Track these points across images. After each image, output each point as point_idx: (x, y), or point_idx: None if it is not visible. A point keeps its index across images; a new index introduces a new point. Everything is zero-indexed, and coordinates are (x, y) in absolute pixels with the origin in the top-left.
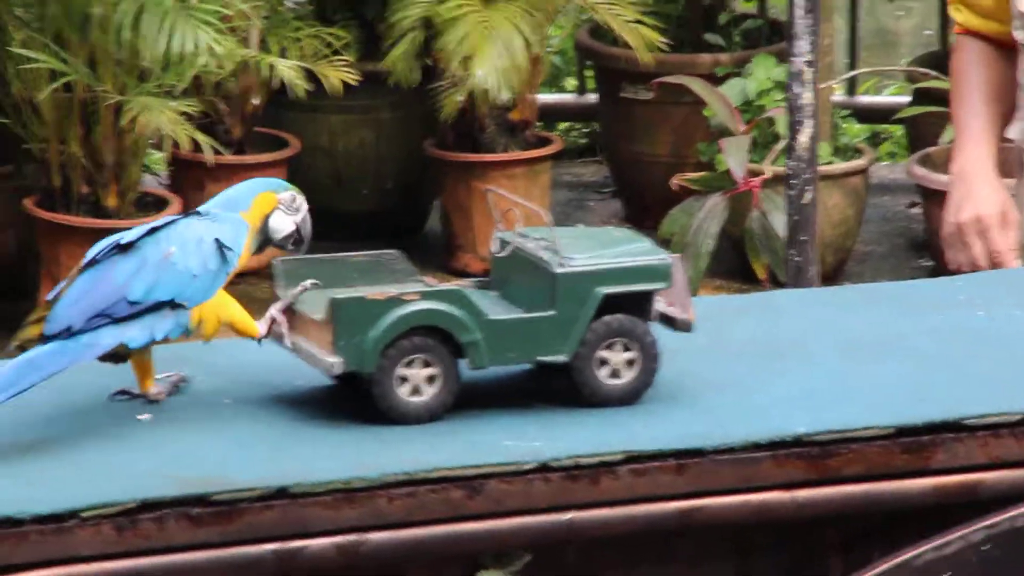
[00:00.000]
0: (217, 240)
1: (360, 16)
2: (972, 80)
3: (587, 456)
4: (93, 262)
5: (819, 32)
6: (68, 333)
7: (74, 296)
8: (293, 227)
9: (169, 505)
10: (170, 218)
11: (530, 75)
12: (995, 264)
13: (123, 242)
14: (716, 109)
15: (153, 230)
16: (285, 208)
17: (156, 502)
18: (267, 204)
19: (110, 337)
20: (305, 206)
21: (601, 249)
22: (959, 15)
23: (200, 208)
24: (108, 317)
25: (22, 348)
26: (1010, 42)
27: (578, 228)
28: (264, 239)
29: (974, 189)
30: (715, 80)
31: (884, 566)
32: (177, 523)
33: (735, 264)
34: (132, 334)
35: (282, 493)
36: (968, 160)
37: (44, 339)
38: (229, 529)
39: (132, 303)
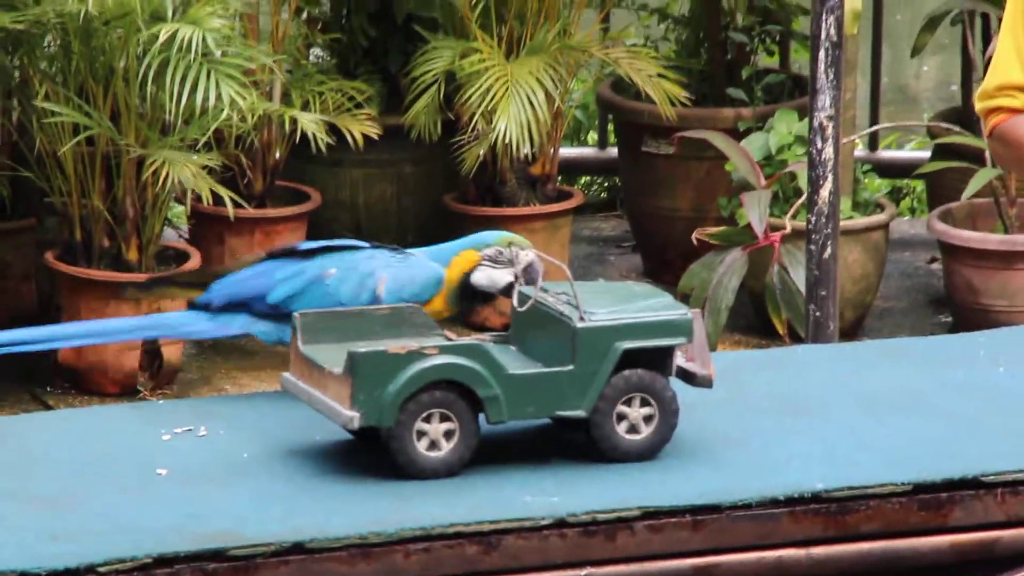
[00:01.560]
0: (385, 281)
1: (383, 70)
2: None
3: (604, 512)
4: (270, 256)
5: (841, 87)
6: (207, 308)
7: (231, 280)
8: (510, 278)
9: (184, 560)
10: (359, 243)
11: (552, 129)
12: None
13: (300, 248)
14: (737, 164)
15: (333, 248)
16: (490, 263)
17: (171, 557)
18: (467, 262)
19: (241, 326)
20: (524, 254)
21: (621, 304)
22: (1015, 101)
23: (406, 248)
24: (247, 308)
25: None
26: None
27: (598, 283)
28: (477, 292)
29: None
30: (737, 135)
31: None
32: None
33: (755, 319)
34: (263, 328)
35: (298, 548)
36: None
37: (188, 305)
38: None
39: (270, 304)
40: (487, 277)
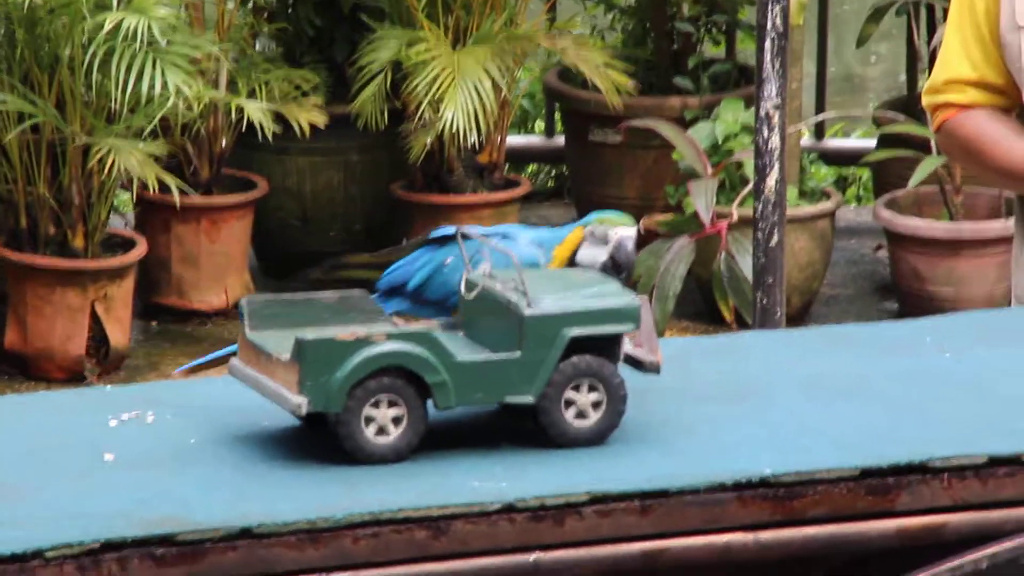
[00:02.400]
0: (487, 268)
1: (329, 59)
2: (1004, 126)
3: (552, 497)
4: (426, 241)
5: (787, 76)
6: (376, 292)
7: (395, 265)
8: (605, 256)
9: (132, 545)
10: (487, 230)
11: (499, 117)
12: None
13: (435, 236)
14: (684, 152)
15: (464, 235)
16: (590, 241)
17: (119, 542)
18: (574, 240)
19: (393, 309)
20: (619, 232)
21: (568, 291)
22: (963, 96)
23: (520, 227)
24: (400, 292)
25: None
26: (1008, 110)
27: (545, 270)
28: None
29: None
30: (684, 124)
31: None
32: (141, 563)
33: (702, 306)
34: (408, 312)
35: (246, 534)
36: None
37: (370, 289)
38: (193, 570)
39: (410, 291)
40: (587, 255)
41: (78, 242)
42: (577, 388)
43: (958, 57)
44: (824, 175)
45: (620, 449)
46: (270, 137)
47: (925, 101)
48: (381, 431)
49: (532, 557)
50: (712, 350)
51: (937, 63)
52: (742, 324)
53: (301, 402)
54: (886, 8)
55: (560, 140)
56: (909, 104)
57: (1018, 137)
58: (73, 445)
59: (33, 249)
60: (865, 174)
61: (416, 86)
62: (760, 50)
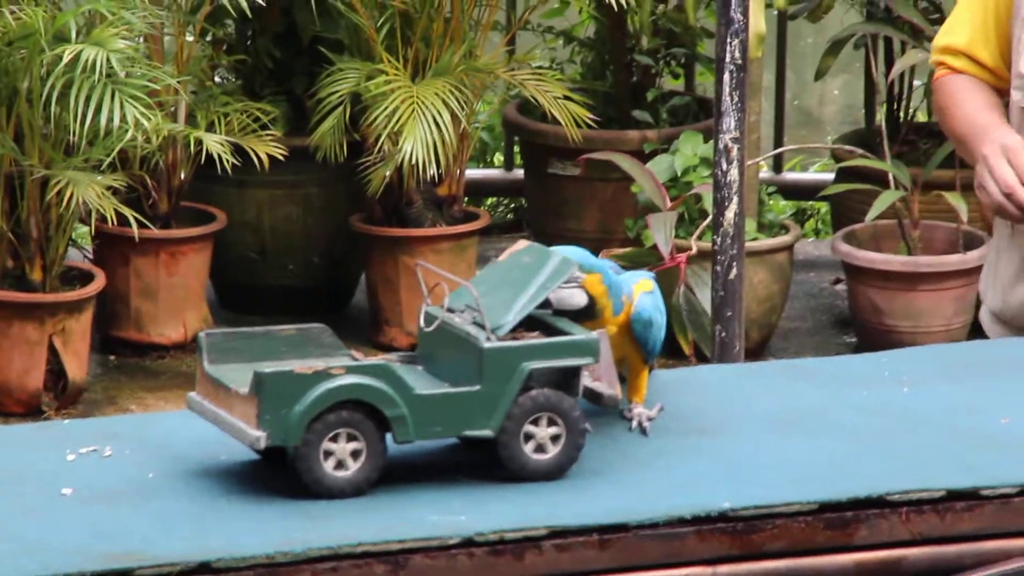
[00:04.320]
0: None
1: (288, 91)
2: (975, 95)
3: (511, 531)
4: None
5: (745, 109)
6: None
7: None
8: (585, 300)
9: None
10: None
11: (458, 150)
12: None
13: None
14: (643, 185)
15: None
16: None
17: None
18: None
19: None
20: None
21: (523, 295)
22: (957, 62)
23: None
24: None
25: None
26: (1001, 93)
27: (493, 268)
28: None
29: (995, 134)
30: (643, 157)
31: None
32: None
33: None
34: None
35: (205, 568)
36: (990, 137)
37: None
38: None
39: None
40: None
41: (36, 275)
42: (536, 422)
43: (960, 26)
44: (782, 208)
45: (579, 483)
46: (229, 170)
47: (931, 57)
48: (340, 465)
49: None
50: (671, 383)
51: (944, 25)
52: (701, 358)
53: (260, 436)
54: (844, 41)
55: (519, 173)
56: (867, 137)
57: (978, 103)
58: (31, 479)
59: None
60: (823, 207)
61: (375, 119)
62: (719, 83)
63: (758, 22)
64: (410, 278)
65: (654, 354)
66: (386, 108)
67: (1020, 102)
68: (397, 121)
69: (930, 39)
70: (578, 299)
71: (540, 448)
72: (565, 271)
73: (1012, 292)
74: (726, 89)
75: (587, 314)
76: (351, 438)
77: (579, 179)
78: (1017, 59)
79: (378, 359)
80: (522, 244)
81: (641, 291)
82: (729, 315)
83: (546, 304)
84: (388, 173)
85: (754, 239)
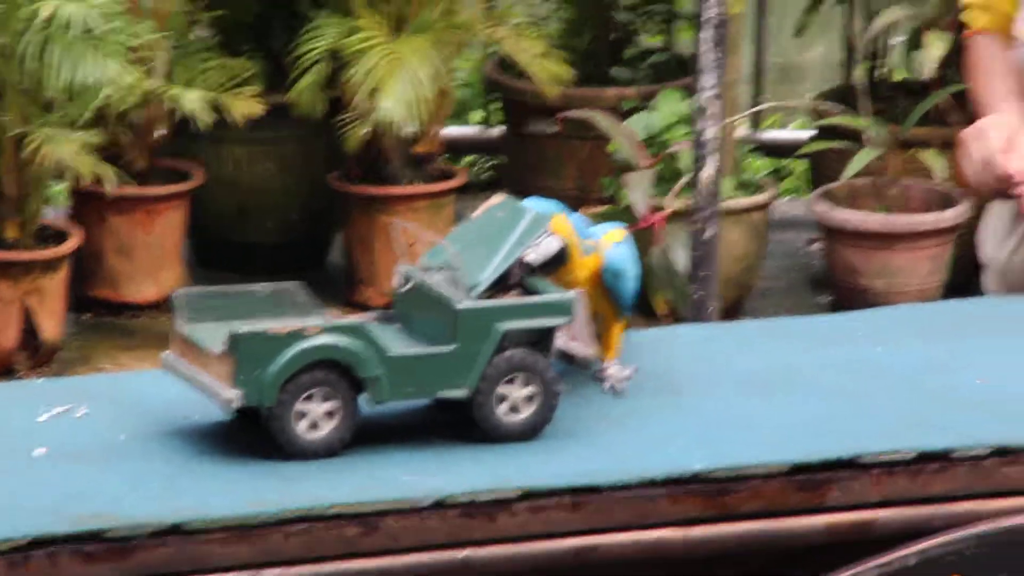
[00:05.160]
0: None
1: (266, 48)
2: (991, 65)
3: (484, 492)
4: None
5: (725, 67)
6: None
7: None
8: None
9: (62, 542)
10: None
11: (436, 108)
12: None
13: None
14: (620, 144)
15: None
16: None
17: (49, 538)
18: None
19: None
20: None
21: (498, 251)
22: (984, 17)
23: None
24: None
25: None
26: None
27: (468, 224)
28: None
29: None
30: (621, 114)
31: None
32: (70, 560)
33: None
34: None
35: (177, 529)
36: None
37: None
38: (123, 566)
39: None
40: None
41: (11, 233)
42: (510, 382)
43: None
44: (760, 167)
45: (552, 444)
46: (207, 127)
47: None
48: (314, 426)
49: (463, 554)
50: (645, 344)
51: None
52: (676, 317)
53: (234, 396)
54: None
55: (497, 131)
56: (846, 94)
57: (990, 74)
58: (3, 439)
59: None
60: (801, 166)
61: (354, 76)
62: (698, 40)
63: None
64: (386, 237)
65: (627, 307)
66: (365, 65)
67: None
68: (376, 78)
69: None
70: (554, 245)
71: (514, 409)
72: (540, 226)
73: (1003, 245)
74: (705, 46)
75: (560, 259)
76: (325, 398)
77: (557, 137)
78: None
79: (353, 319)
80: (496, 199)
81: (612, 241)
82: (705, 274)
83: (519, 265)
84: (366, 131)
85: (731, 198)
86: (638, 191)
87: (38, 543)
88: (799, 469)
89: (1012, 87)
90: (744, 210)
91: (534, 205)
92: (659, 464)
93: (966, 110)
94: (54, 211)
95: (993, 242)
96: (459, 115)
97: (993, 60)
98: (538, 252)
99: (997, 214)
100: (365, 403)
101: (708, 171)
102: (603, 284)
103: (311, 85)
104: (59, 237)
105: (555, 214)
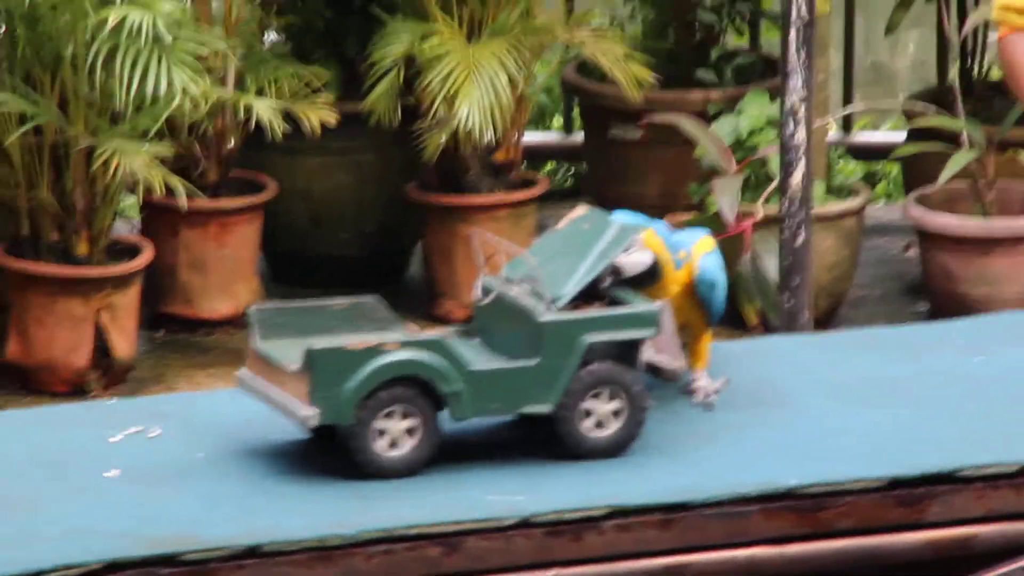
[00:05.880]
0: None
1: (340, 54)
2: None
3: (570, 511)
4: None
5: (813, 68)
6: None
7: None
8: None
9: (137, 566)
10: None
11: (515, 114)
12: None
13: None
14: (707, 149)
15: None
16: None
17: (124, 562)
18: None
19: None
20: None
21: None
22: (1005, 13)
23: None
24: None
25: None
26: None
27: (551, 236)
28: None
29: None
30: (706, 118)
31: None
32: None
33: (726, 309)
34: None
35: (253, 552)
36: None
37: None
38: None
39: None
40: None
41: (82, 248)
42: (596, 396)
43: None
44: (852, 171)
45: (640, 460)
46: (279, 137)
47: (992, 15)
48: (393, 444)
49: (550, 573)
50: (736, 355)
51: None
52: (767, 328)
53: (311, 414)
54: None
55: (579, 137)
56: (940, 95)
57: None
58: (76, 461)
59: (35, 256)
60: (894, 169)
61: (430, 82)
62: (785, 40)
63: None
64: (467, 248)
65: (718, 316)
66: (441, 71)
67: None
68: (453, 84)
69: None
70: (646, 259)
71: (600, 424)
72: (625, 238)
73: None
74: (792, 47)
75: (652, 274)
76: (405, 415)
77: (641, 142)
78: None
79: (432, 333)
80: (581, 210)
81: (703, 251)
82: (797, 283)
83: (610, 273)
84: (444, 138)
85: (823, 203)
86: (726, 197)
87: (112, 567)
88: (897, 484)
89: None
90: (836, 216)
91: (620, 217)
92: (752, 480)
93: None
94: (125, 226)
95: None
96: (539, 121)
97: None
98: (631, 261)
99: None
100: (446, 420)
101: (797, 176)
102: (694, 295)
103: (386, 92)
104: (131, 252)
105: (644, 227)
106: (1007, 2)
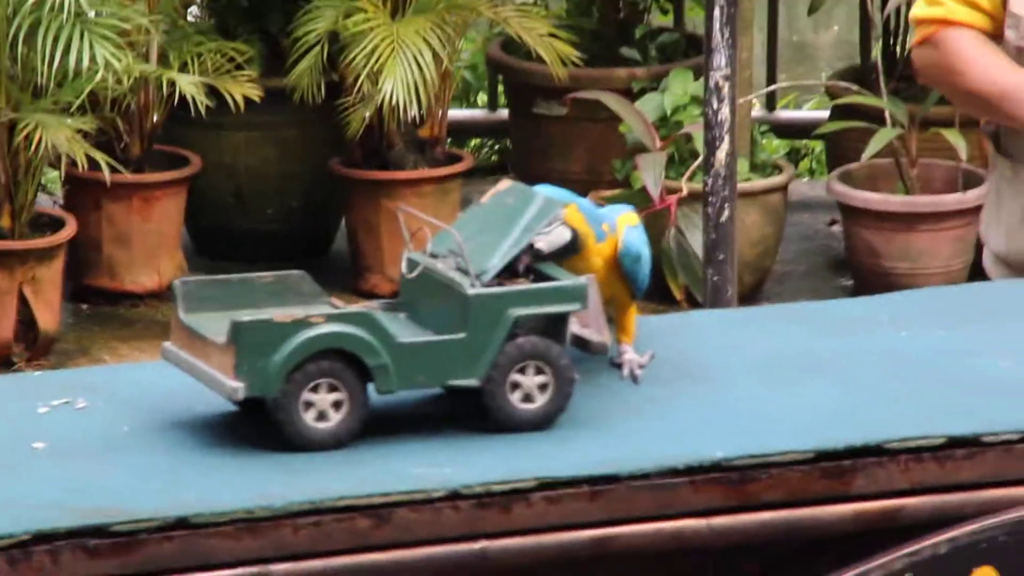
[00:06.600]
0: None
1: (263, 30)
2: (991, 53)
3: (498, 483)
4: None
5: (737, 46)
6: None
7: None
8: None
9: (64, 537)
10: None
11: (440, 90)
12: None
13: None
14: (632, 125)
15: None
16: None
17: (51, 534)
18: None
19: None
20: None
21: (505, 236)
22: (939, 9)
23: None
24: None
25: None
26: (995, 37)
27: (474, 210)
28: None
29: None
30: (631, 95)
31: None
32: (73, 555)
33: (651, 284)
34: None
35: (182, 523)
36: None
37: None
38: (128, 561)
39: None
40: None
41: (4, 222)
42: (523, 370)
43: None
44: (776, 148)
45: (568, 433)
46: (203, 112)
47: (913, 13)
48: (321, 416)
49: (479, 545)
50: (662, 329)
51: None
52: (693, 303)
53: (237, 387)
54: None
55: (504, 113)
56: (863, 74)
57: (994, 60)
58: (1, 433)
59: None
60: (818, 147)
61: (354, 58)
62: (709, 18)
63: None
64: (392, 223)
65: (643, 289)
66: (365, 47)
67: (1014, 41)
68: (377, 60)
69: None
70: (565, 235)
71: (527, 397)
72: (550, 211)
73: (1018, 236)
74: (716, 24)
75: (571, 248)
76: (332, 388)
77: (565, 119)
78: None
79: (359, 307)
80: (504, 184)
81: (626, 224)
82: (721, 258)
83: (530, 248)
84: (368, 114)
85: (747, 180)
86: (651, 173)
87: (40, 538)
88: (823, 456)
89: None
90: (760, 192)
91: (543, 191)
92: (679, 452)
93: None
94: (49, 200)
95: (1002, 231)
96: (464, 98)
97: (982, 46)
98: (548, 240)
99: (1010, 201)
100: (374, 393)
101: (722, 153)
102: (619, 269)
103: (310, 68)
104: (54, 225)
105: (567, 202)
106: None
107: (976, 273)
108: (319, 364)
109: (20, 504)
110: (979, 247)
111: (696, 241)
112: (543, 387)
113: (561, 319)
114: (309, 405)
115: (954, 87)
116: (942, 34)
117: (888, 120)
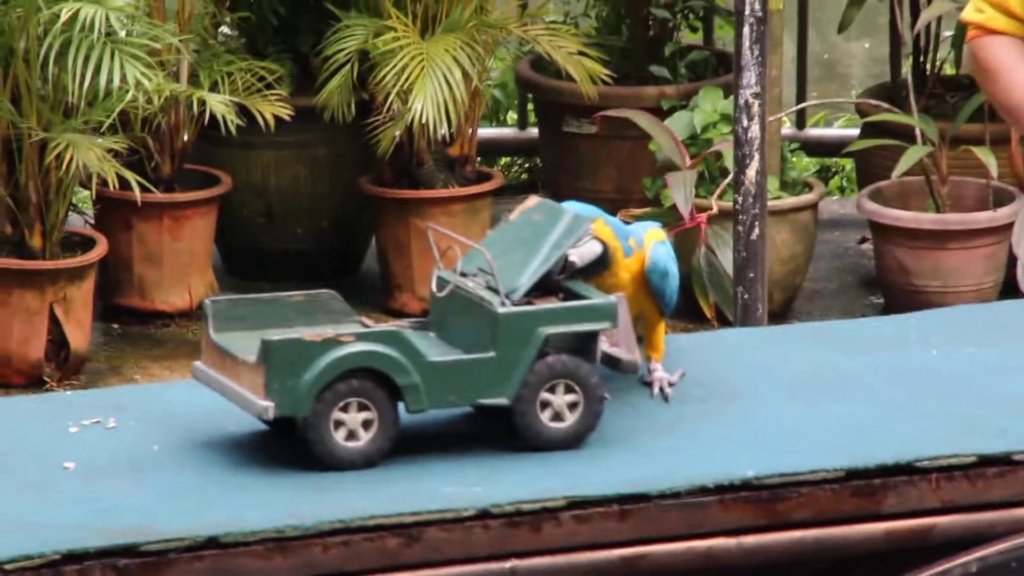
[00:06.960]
0: None
1: (293, 49)
2: (1016, 59)
3: (528, 502)
4: None
5: (766, 63)
6: None
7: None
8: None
9: (94, 557)
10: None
11: (470, 109)
12: None
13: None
14: (661, 143)
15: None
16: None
17: (81, 554)
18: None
19: None
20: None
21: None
22: (981, 16)
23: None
24: None
25: None
26: None
27: (503, 228)
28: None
29: None
30: (661, 113)
31: None
32: (103, 575)
33: (681, 302)
34: None
35: (212, 543)
36: None
37: None
38: None
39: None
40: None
41: (35, 241)
42: (553, 389)
43: None
44: (806, 166)
45: (598, 452)
46: (234, 131)
47: (963, 13)
48: (351, 435)
49: (508, 564)
50: (692, 348)
51: None
52: (723, 321)
53: (268, 406)
54: None
55: (533, 132)
56: (893, 91)
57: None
58: (32, 453)
59: None
60: (848, 164)
61: (384, 77)
62: (738, 36)
63: None
64: (422, 241)
65: (671, 306)
66: (395, 66)
67: None
68: (406, 79)
69: None
70: (595, 249)
71: (557, 416)
72: (578, 227)
73: None
74: (746, 42)
75: (602, 262)
76: (362, 407)
77: (595, 137)
78: None
79: (389, 325)
80: (532, 201)
81: (654, 240)
82: (751, 276)
83: (562, 266)
84: (398, 133)
85: (777, 198)
86: (681, 192)
87: (70, 558)
88: (854, 475)
89: None
90: (791, 210)
91: (571, 207)
92: (709, 471)
93: None
94: (79, 219)
95: None
96: (494, 116)
97: (1020, 56)
98: (580, 254)
99: None
100: (404, 412)
101: (752, 170)
102: (647, 285)
103: (340, 87)
104: (85, 245)
105: (595, 217)
106: (979, 3)
107: (1007, 291)
108: (349, 383)
109: (50, 524)
110: (1011, 265)
111: (726, 259)
112: (573, 406)
113: (591, 337)
114: (339, 424)
115: (989, 92)
116: (982, 40)
117: (919, 138)
